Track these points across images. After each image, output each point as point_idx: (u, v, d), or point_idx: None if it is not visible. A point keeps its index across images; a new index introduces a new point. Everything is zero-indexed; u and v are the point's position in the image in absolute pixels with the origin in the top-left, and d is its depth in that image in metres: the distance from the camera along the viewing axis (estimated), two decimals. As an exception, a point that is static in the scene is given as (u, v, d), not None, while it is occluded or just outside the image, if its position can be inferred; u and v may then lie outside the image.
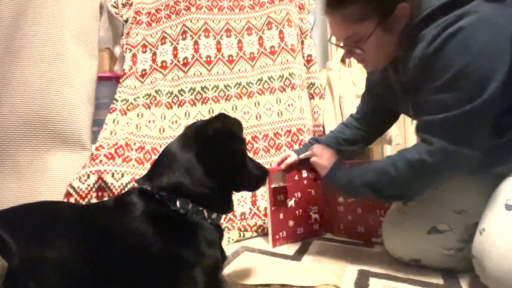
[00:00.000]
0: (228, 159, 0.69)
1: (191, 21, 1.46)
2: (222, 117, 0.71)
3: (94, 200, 1.16)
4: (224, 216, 0.74)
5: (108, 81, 1.55)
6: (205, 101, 1.42)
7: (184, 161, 0.66)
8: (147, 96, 1.41)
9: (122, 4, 1.54)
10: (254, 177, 0.75)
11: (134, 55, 1.46)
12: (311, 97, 1.63)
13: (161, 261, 0.59)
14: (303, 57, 1.64)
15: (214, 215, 0.68)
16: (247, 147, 1.38)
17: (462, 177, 0.86)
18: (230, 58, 1.48)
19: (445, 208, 0.83)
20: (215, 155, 0.67)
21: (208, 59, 1.46)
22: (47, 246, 0.55)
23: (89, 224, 0.62)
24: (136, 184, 0.69)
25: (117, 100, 1.37)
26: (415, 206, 0.87)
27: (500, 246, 0.62)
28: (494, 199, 0.71)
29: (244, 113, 1.43)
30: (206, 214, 0.66)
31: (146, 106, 1.39)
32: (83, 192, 1.15)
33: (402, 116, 1.04)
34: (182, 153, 0.67)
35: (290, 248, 1.08)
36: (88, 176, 1.17)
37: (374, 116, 1.07)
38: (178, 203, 0.64)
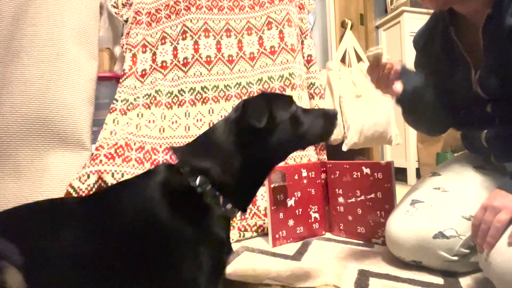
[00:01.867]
0: (271, 136, 0.65)
1: (191, 21, 1.46)
2: (249, 100, 0.67)
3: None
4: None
5: (108, 81, 1.55)
6: (205, 101, 1.42)
7: (220, 147, 0.65)
8: (147, 96, 1.41)
9: (122, 4, 1.54)
10: (316, 130, 0.70)
11: (134, 55, 1.46)
12: (311, 97, 1.63)
13: (166, 234, 0.58)
14: (303, 57, 1.64)
15: (229, 206, 0.65)
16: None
17: (474, 183, 0.86)
18: (230, 58, 1.48)
19: (454, 213, 0.82)
20: (253, 140, 0.64)
21: (208, 59, 1.46)
22: (53, 240, 0.56)
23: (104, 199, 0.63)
24: (171, 152, 0.68)
25: (117, 100, 1.37)
26: (423, 208, 0.86)
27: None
28: None
29: (244, 113, 1.43)
30: (221, 201, 0.64)
31: (146, 106, 1.39)
32: (83, 192, 1.15)
33: (402, 116, 1.03)
34: (221, 138, 0.66)
35: (290, 248, 1.08)
36: (88, 176, 1.17)
37: None
38: (198, 180, 0.62)
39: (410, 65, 1.01)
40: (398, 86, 0.78)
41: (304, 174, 1.19)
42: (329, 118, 0.71)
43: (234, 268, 0.91)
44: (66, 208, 0.64)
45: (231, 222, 0.70)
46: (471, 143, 0.90)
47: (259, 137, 0.65)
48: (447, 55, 0.84)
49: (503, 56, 0.70)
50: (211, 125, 1.36)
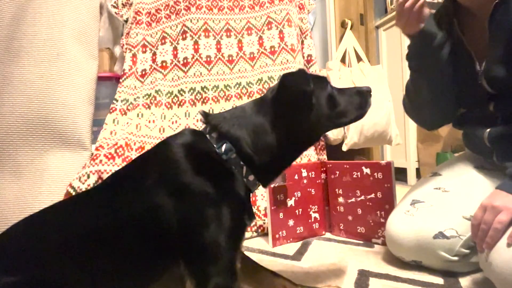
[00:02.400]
0: (311, 111, 0.64)
1: (191, 21, 1.46)
2: (288, 73, 0.67)
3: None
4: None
5: (108, 81, 1.55)
6: (205, 101, 1.42)
7: (256, 123, 0.64)
8: (147, 96, 1.41)
9: (122, 4, 1.54)
10: (351, 110, 0.69)
11: (134, 55, 1.46)
12: (311, 97, 1.63)
13: (187, 194, 0.58)
14: (303, 57, 1.64)
15: (251, 177, 0.64)
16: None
17: (476, 182, 0.86)
18: (230, 58, 1.48)
19: (454, 213, 0.82)
20: (294, 115, 0.64)
21: (208, 59, 1.46)
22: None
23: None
24: (201, 115, 0.67)
25: (117, 100, 1.37)
26: (423, 208, 0.86)
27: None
28: None
29: (244, 113, 1.43)
30: (244, 171, 0.63)
31: (146, 106, 1.39)
32: (83, 192, 1.15)
33: (402, 116, 1.03)
34: (256, 115, 0.65)
35: (290, 248, 1.08)
36: (88, 176, 1.17)
37: None
38: (224, 147, 0.62)
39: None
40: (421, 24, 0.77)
41: (304, 174, 1.19)
42: (363, 96, 0.71)
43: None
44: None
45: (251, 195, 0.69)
46: (473, 142, 0.90)
47: (296, 115, 0.64)
48: (451, 48, 0.83)
49: (510, 46, 0.69)
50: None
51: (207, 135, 0.64)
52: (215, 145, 0.62)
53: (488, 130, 0.80)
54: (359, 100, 0.70)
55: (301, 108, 0.64)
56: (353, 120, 0.72)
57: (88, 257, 0.56)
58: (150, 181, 0.59)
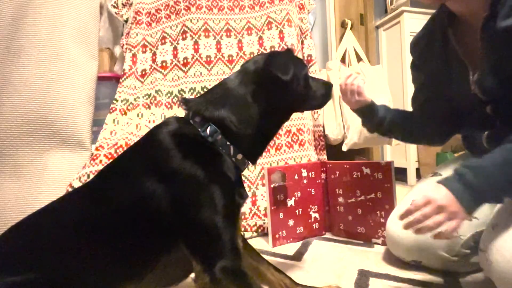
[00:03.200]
0: (290, 91, 0.69)
1: (191, 21, 1.46)
2: (275, 53, 0.72)
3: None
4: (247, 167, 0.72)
5: (108, 81, 1.55)
6: (205, 101, 1.41)
7: (238, 97, 0.66)
8: (147, 96, 1.41)
9: (122, 4, 1.54)
10: (318, 96, 0.77)
11: (134, 55, 1.46)
12: (311, 97, 1.63)
13: (177, 180, 0.59)
14: (303, 57, 1.64)
15: (239, 156, 0.65)
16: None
17: None
18: (230, 58, 1.48)
19: None
20: (274, 91, 0.67)
21: (208, 59, 1.46)
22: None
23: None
24: (181, 103, 0.69)
25: (117, 100, 1.37)
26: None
27: None
28: None
29: (244, 113, 1.43)
30: (231, 151, 0.64)
31: (146, 106, 1.39)
32: (83, 192, 1.15)
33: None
34: (238, 88, 0.67)
35: (290, 248, 1.08)
36: (88, 176, 1.17)
37: (432, 110, 0.95)
38: (208, 130, 0.63)
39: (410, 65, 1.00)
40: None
41: (304, 174, 1.19)
42: (328, 88, 0.79)
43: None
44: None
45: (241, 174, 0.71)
46: (472, 144, 0.90)
47: (278, 90, 0.67)
48: (445, 57, 0.84)
49: (500, 58, 0.70)
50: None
51: (191, 121, 0.65)
52: (199, 129, 0.63)
53: (487, 132, 0.80)
54: (325, 90, 0.78)
55: (281, 89, 0.67)
56: (319, 106, 0.81)
57: (87, 247, 0.57)
58: (140, 169, 0.60)
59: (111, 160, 0.71)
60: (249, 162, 0.68)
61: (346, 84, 0.98)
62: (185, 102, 0.68)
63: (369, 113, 0.99)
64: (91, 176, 1.16)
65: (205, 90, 1.42)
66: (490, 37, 0.70)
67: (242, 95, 0.66)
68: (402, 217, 0.66)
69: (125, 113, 1.36)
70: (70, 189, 1.14)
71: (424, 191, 0.65)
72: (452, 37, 0.81)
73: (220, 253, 0.55)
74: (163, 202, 0.58)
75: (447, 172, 0.95)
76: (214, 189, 0.59)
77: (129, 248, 0.58)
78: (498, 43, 0.69)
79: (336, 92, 1.68)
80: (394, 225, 0.90)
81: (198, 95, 1.41)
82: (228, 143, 0.64)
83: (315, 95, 0.76)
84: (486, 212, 0.76)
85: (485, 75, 0.74)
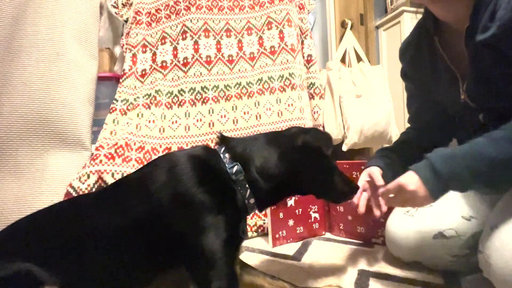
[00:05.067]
0: (311, 172, 0.70)
1: (191, 21, 1.46)
2: (313, 131, 0.74)
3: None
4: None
5: (108, 81, 1.55)
6: (205, 101, 1.42)
7: (265, 151, 0.69)
8: (147, 96, 1.41)
9: (122, 4, 1.54)
10: (339, 192, 0.75)
11: (134, 55, 1.46)
12: (311, 97, 1.63)
13: (189, 203, 0.60)
14: (303, 57, 1.64)
15: (252, 200, 0.67)
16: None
17: None
18: (230, 58, 1.48)
19: (454, 213, 0.82)
20: (297, 163, 0.69)
21: (208, 59, 1.46)
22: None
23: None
24: (217, 136, 0.72)
25: (117, 100, 1.37)
26: (423, 209, 0.85)
27: None
28: (508, 197, 0.70)
29: (244, 113, 1.43)
30: (247, 194, 0.66)
31: (146, 106, 1.39)
32: (83, 192, 1.15)
33: (402, 116, 1.03)
34: (267, 145, 0.70)
35: (290, 248, 1.08)
36: (88, 176, 1.17)
37: (426, 117, 0.95)
38: (235, 168, 0.65)
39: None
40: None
41: (304, 174, 1.19)
42: (352, 189, 0.77)
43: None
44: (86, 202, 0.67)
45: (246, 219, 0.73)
46: None
47: (307, 162, 0.69)
48: (434, 65, 0.83)
49: (482, 69, 0.69)
50: (211, 125, 1.38)
51: (221, 155, 0.67)
52: (227, 165, 0.66)
53: None
54: (344, 187, 0.75)
55: (314, 160, 0.70)
56: (334, 199, 0.79)
57: (93, 257, 0.59)
58: (155, 187, 0.61)
59: (132, 171, 0.73)
60: (257, 209, 0.70)
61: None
62: (221, 137, 0.71)
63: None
64: (91, 176, 1.17)
65: (205, 90, 1.43)
66: (472, 48, 0.69)
67: (270, 153, 0.68)
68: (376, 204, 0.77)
69: (125, 113, 1.36)
70: (70, 189, 1.15)
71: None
72: (438, 45, 0.80)
73: (217, 276, 0.57)
74: (172, 222, 0.60)
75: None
76: (221, 218, 0.61)
77: (127, 261, 0.60)
78: (479, 55, 0.68)
79: (336, 91, 1.68)
80: (394, 225, 0.90)
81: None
82: (247, 186, 0.66)
83: (336, 189, 0.74)
84: (485, 212, 0.76)
85: (473, 85, 0.73)
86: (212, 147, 0.71)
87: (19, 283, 0.54)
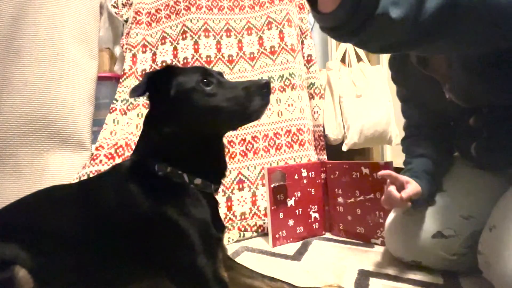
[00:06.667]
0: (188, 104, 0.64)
1: (191, 21, 1.46)
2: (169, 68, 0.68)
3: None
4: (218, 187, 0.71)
5: (108, 81, 1.55)
6: (205, 101, 1.41)
7: (146, 137, 0.70)
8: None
9: (122, 4, 1.54)
10: (232, 104, 0.63)
11: (134, 55, 1.46)
12: (311, 97, 1.63)
13: (149, 220, 0.60)
14: (303, 57, 1.64)
15: (198, 181, 0.65)
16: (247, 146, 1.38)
17: (473, 181, 0.86)
18: (230, 58, 1.48)
19: (452, 212, 0.82)
20: (174, 112, 0.65)
21: (208, 59, 1.46)
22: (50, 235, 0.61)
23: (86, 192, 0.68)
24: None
25: (117, 100, 1.37)
26: (422, 209, 0.86)
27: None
28: (507, 197, 0.70)
29: (244, 113, 1.43)
30: (186, 179, 0.64)
31: (146, 106, 1.39)
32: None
33: (402, 116, 1.03)
34: (142, 135, 0.72)
35: (290, 248, 1.08)
36: (88, 176, 1.17)
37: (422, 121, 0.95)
38: (156, 167, 0.64)
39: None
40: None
41: (304, 174, 1.19)
42: (256, 91, 0.62)
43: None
44: (59, 197, 0.69)
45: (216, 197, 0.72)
46: (463, 152, 0.90)
47: (164, 111, 0.66)
48: (419, 71, 0.83)
49: (461, 76, 0.70)
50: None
51: (142, 163, 0.67)
52: (153, 167, 0.65)
53: (475, 144, 0.80)
54: (246, 95, 0.62)
55: (162, 102, 0.66)
56: (240, 119, 0.66)
57: (64, 251, 0.61)
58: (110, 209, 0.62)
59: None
60: (212, 184, 0.68)
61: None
62: (118, 165, 0.71)
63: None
64: (91, 176, 1.17)
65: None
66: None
67: (149, 129, 0.69)
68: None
69: (125, 113, 1.36)
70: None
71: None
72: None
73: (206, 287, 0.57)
74: (140, 239, 0.61)
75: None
76: (184, 228, 0.59)
77: (101, 264, 0.61)
78: (460, 59, 0.68)
79: (336, 91, 1.68)
80: (393, 225, 0.90)
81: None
82: (179, 171, 0.64)
83: (224, 103, 0.63)
84: (483, 211, 0.76)
85: (455, 86, 0.74)
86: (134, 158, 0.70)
87: None
